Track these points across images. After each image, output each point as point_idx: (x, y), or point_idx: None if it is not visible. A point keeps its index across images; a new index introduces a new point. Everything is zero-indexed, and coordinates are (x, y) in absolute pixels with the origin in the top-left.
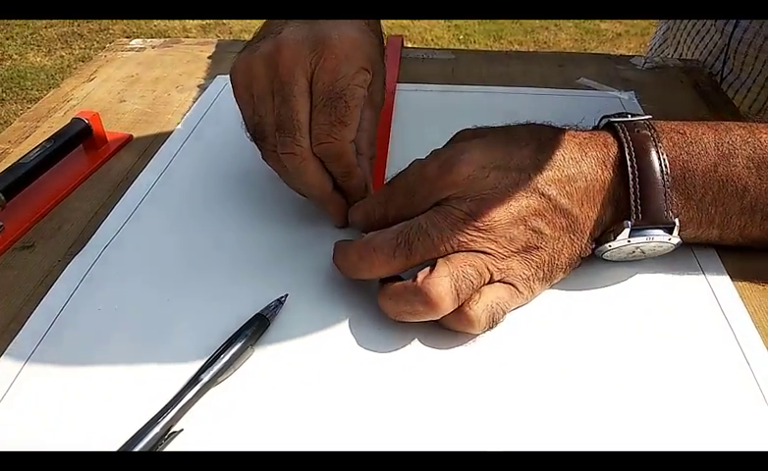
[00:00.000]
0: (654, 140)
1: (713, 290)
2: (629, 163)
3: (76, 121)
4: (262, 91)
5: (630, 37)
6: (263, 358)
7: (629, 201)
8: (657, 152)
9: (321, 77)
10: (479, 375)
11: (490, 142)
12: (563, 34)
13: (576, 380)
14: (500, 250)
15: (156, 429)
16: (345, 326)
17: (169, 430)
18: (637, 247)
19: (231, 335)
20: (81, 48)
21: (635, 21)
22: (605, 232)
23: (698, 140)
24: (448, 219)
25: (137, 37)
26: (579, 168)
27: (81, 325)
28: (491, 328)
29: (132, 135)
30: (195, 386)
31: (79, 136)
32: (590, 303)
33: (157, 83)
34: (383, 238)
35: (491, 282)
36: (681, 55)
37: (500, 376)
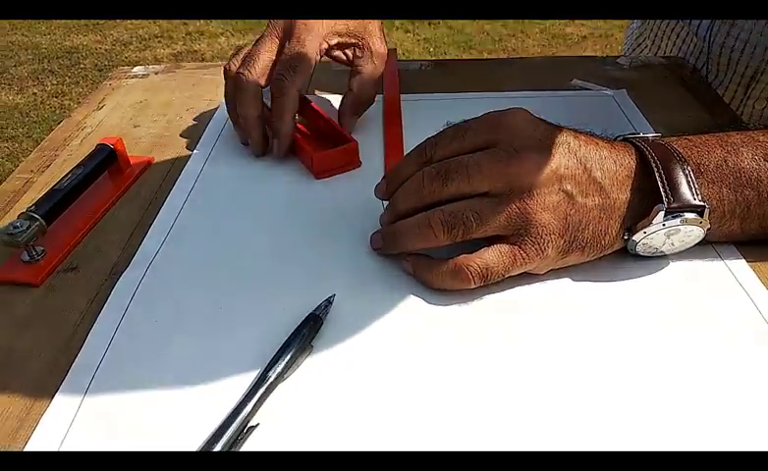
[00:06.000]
0: (667, 145)
1: (731, 271)
2: (650, 158)
3: (101, 147)
4: None
5: (594, 39)
6: (320, 354)
7: (656, 190)
8: (673, 153)
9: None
10: (522, 372)
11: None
12: (530, 41)
13: (608, 366)
14: (530, 202)
15: (234, 425)
16: (389, 320)
17: (246, 425)
18: (670, 235)
19: (288, 335)
20: (53, 84)
21: (598, 23)
22: (637, 221)
23: (704, 143)
24: (492, 157)
25: (112, 68)
26: (610, 153)
27: (140, 337)
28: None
29: (152, 159)
30: (265, 383)
31: (106, 161)
32: (614, 291)
33: (167, 108)
34: (427, 170)
35: (502, 237)
36: (659, 54)
37: (536, 373)
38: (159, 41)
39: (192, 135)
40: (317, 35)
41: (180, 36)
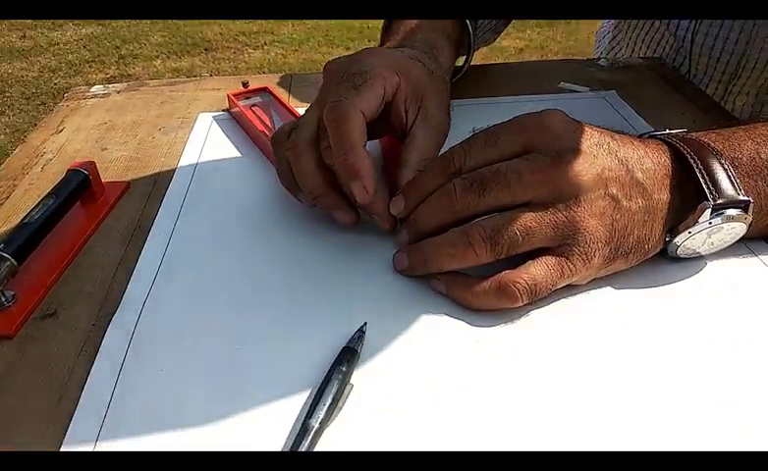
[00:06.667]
0: (699, 141)
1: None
2: (686, 154)
3: (73, 173)
4: None
5: (531, 51)
6: (361, 391)
7: (698, 187)
8: (707, 148)
9: (351, 66)
10: (565, 380)
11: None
12: None
13: (665, 372)
14: (578, 209)
15: None
16: (430, 346)
17: None
18: (711, 235)
19: (324, 375)
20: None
21: (533, 35)
22: (680, 221)
23: (733, 135)
24: (532, 163)
25: (41, 96)
26: (646, 152)
27: (146, 392)
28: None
29: (129, 183)
30: (308, 435)
31: (79, 189)
32: (658, 297)
33: (137, 128)
34: (458, 181)
35: (547, 249)
36: (634, 56)
37: (584, 377)
38: (91, 66)
39: (170, 155)
40: (383, 61)
41: (112, 61)
